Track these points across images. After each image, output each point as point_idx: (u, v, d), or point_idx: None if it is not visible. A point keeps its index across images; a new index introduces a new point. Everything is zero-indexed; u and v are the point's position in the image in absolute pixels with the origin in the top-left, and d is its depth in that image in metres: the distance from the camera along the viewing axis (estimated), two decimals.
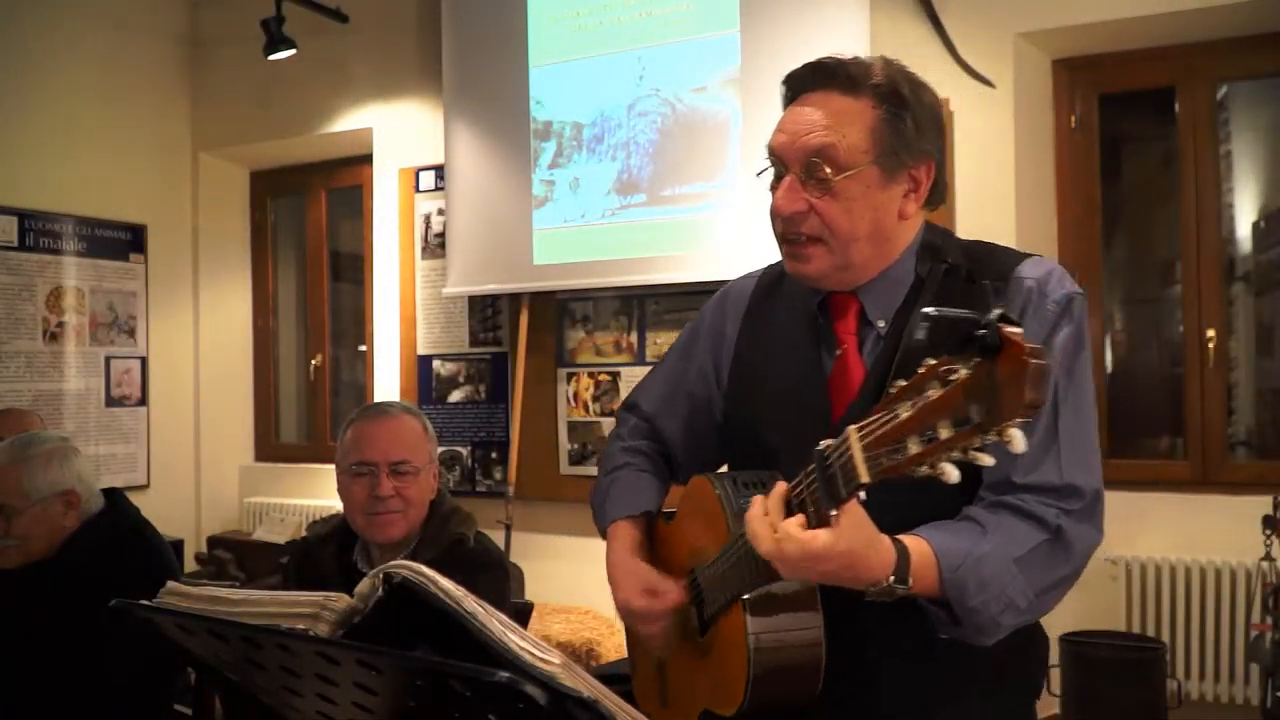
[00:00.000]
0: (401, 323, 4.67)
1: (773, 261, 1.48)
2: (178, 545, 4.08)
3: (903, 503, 1.09)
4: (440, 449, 4.53)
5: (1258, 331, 3.71)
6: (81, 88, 4.77)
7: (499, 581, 1.98)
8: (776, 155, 1.30)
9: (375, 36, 4.75)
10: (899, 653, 1.27)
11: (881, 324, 1.31)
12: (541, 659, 0.76)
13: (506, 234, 4.17)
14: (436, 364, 4.58)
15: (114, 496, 2.34)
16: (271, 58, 4.55)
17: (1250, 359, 3.70)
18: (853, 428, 0.98)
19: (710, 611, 1.31)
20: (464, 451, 4.50)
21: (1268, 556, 3.11)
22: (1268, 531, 3.11)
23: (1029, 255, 1.31)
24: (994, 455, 1.14)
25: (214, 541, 5.01)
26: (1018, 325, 0.86)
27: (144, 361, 5.04)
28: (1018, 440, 0.86)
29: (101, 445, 4.83)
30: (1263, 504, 3.12)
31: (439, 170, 4.49)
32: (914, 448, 0.91)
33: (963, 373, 0.88)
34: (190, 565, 4.81)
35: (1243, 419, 3.68)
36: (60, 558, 2.19)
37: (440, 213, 4.50)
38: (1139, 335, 4.00)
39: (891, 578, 1.09)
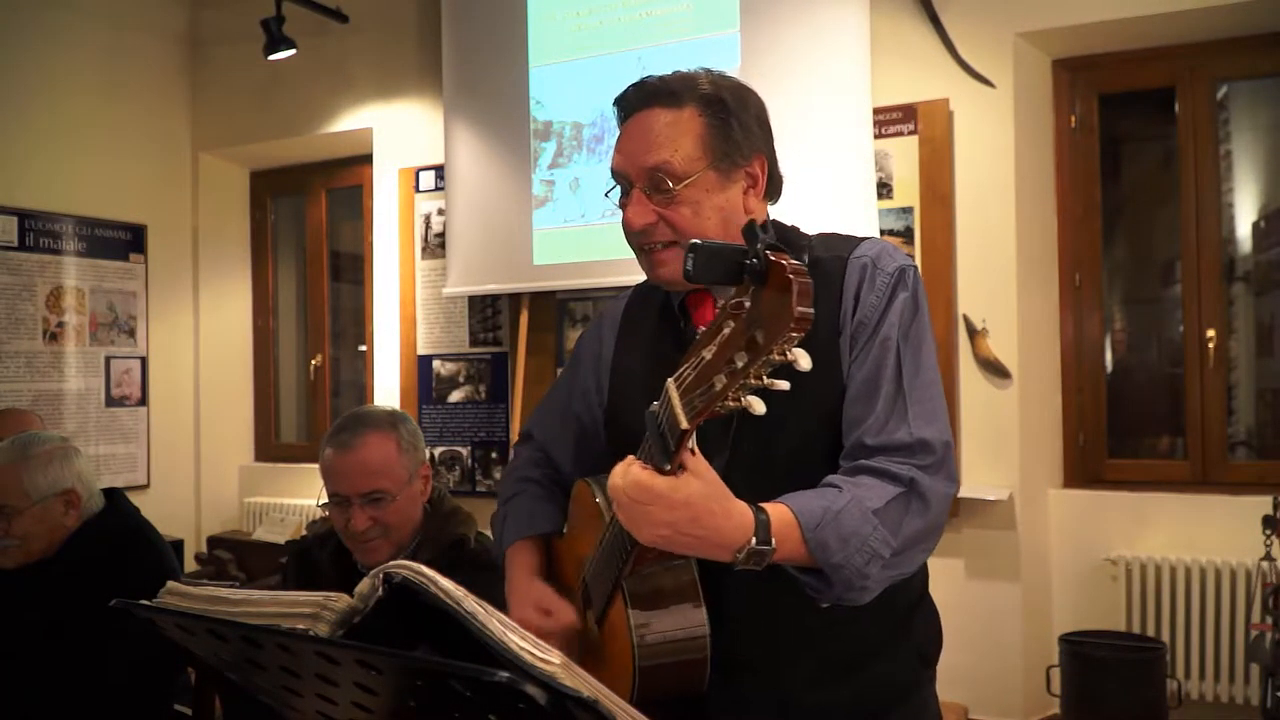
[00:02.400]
0: (401, 323, 4.67)
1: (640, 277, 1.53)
2: (178, 545, 4.09)
3: (780, 490, 1.17)
4: (440, 449, 4.58)
5: (1258, 331, 3.71)
6: (82, 88, 4.77)
7: (499, 582, 1.97)
8: (619, 174, 1.40)
9: (375, 36, 4.75)
10: (785, 635, 1.30)
11: None
12: (541, 659, 0.75)
13: (506, 234, 4.17)
14: (436, 364, 4.58)
15: (114, 496, 2.34)
16: (271, 58, 4.55)
17: (1250, 359, 3.70)
18: (670, 380, 1.03)
19: (598, 608, 1.34)
20: (464, 451, 4.50)
21: (1268, 556, 3.11)
22: (1268, 531, 3.11)
23: (863, 238, 1.38)
24: (846, 421, 1.25)
25: (214, 541, 5.01)
26: (782, 252, 0.93)
27: (144, 361, 5.04)
28: (802, 359, 0.92)
29: (101, 445, 4.83)
30: (1263, 504, 3.12)
31: (439, 170, 4.49)
32: (719, 384, 0.96)
33: (747, 303, 0.94)
34: (190, 565, 4.81)
35: (1243, 419, 3.68)
36: (60, 557, 2.19)
37: (440, 213, 4.50)
38: (1139, 335, 4.00)
39: (753, 539, 1.11)
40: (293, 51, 4.53)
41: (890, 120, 3.68)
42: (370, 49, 4.77)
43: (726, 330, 0.96)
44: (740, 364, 0.94)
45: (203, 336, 5.31)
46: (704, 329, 1.00)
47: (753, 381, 0.94)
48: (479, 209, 4.25)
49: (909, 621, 1.38)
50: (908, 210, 3.66)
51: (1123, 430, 3.77)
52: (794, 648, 1.31)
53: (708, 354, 0.98)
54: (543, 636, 1.34)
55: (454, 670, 0.75)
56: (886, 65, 3.64)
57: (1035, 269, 3.67)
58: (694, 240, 1.00)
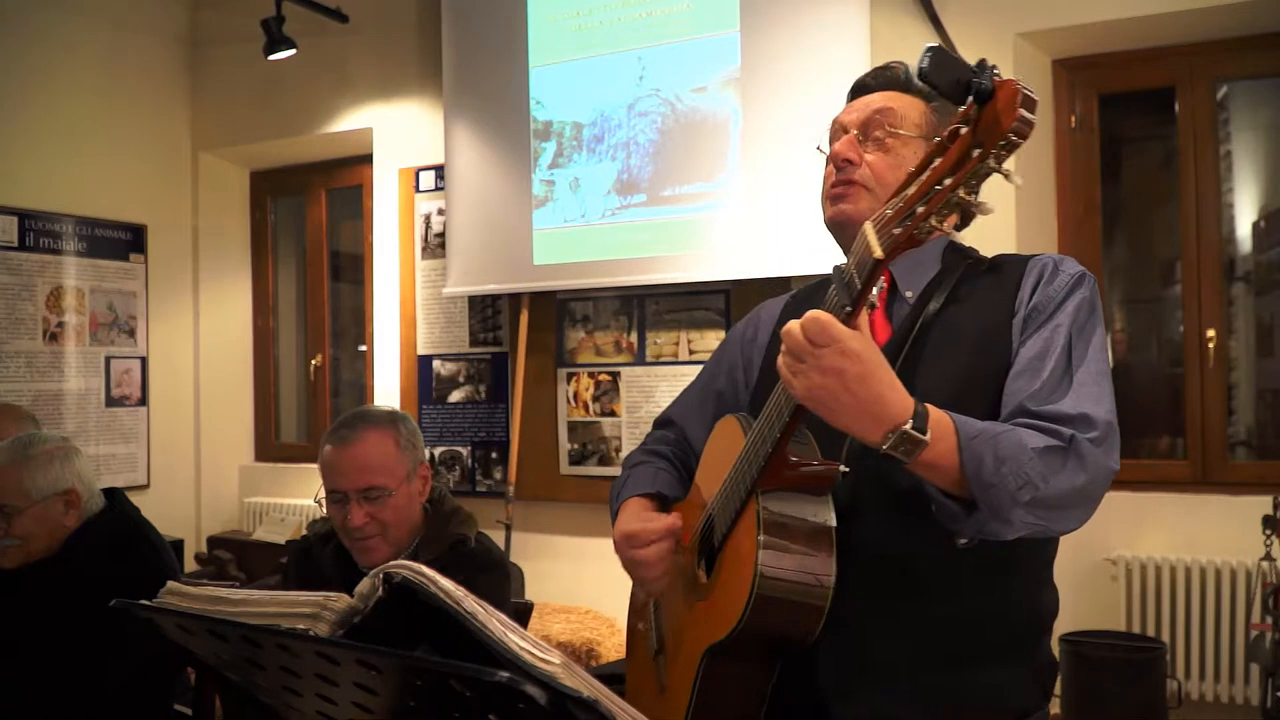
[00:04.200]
0: (401, 323, 4.67)
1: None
2: (178, 545, 4.09)
3: (897, 469, 1.13)
4: (440, 449, 4.58)
5: (1258, 331, 3.71)
6: (82, 88, 4.77)
7: (499, 582, 1.97)
8: (840, 126, 1.42)
9: (375, 36, 4.75)
10: (895, 610, 1.26)
11: (910, 294, 1.38)
12: (541, 659, 0.75)
13: (506, 234, 4.17)
14: (436, 364, 4.58)
15: (114, 496, 2.34)
16: (271, 58, 4.55)
17: (1250, 359, 3.70)
18: (867, 222, 1.05)
19: (720, 535, 1.32)
20: (464, 451, 4.50)
21: (1268, 556, 3.11)
22: (1268, 531, 3.11)
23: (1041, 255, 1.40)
24: (1008, 394, 1.23)
25: (214, 541, 5.01)
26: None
27: (144, 361, 5.04)
28: (1013, 173, 0.94)
29: (101, 445, 4.83)
30: (1263, 504, 3.12)
31: (439, 170, 4.49)
32: (920, 208, 0.98)
33: (964, 130, 0.96)
34: (190, 565, 4.81)
35: (1243, 419, 3.68)
36: (61, 557, 2.19)
37: (440, 213, 4.50)
38: (1139, 335, 4.00)
39: (910, 422, 1.08)
40: (293, 51, 4.53)
41: None
42: (370, 49, 4.77)
43: (937, 161, 0.97)
44: (949, 182, 0.95)
45: (203, 336, 5.31)
46: (910, 171, 1.01)
47: (961, 197, 0.95)
48: (479, 209, 4.25)
49: (1037, 640, 1.38)
50: None
51: (1122, 430, 3.75)
52: (913, 624, 1.26)
53: (911, 189, 0.99)
54: (640, 543, 1.37)
55: (454, 670, 0.75)
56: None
57: None
58: (931, 44, 1.00)
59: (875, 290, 1.32)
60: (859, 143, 1.38)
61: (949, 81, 0.96)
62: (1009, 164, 0.96)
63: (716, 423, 1.47)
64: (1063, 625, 3.47)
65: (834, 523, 1.23)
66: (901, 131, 1.36)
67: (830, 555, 1.21)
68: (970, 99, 0.95)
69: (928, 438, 1.09)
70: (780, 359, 1.11)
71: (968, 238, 1.35)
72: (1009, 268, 1.35)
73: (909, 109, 1.39)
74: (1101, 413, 1.24)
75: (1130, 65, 3.69)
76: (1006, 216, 3.54)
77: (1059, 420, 1.20)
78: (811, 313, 1.08)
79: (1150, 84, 3.70)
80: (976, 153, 0.94)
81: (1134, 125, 3.94)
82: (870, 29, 3.56)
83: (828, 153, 1.42)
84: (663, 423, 1.67)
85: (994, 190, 1.02)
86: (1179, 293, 3.67)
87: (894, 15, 3.66)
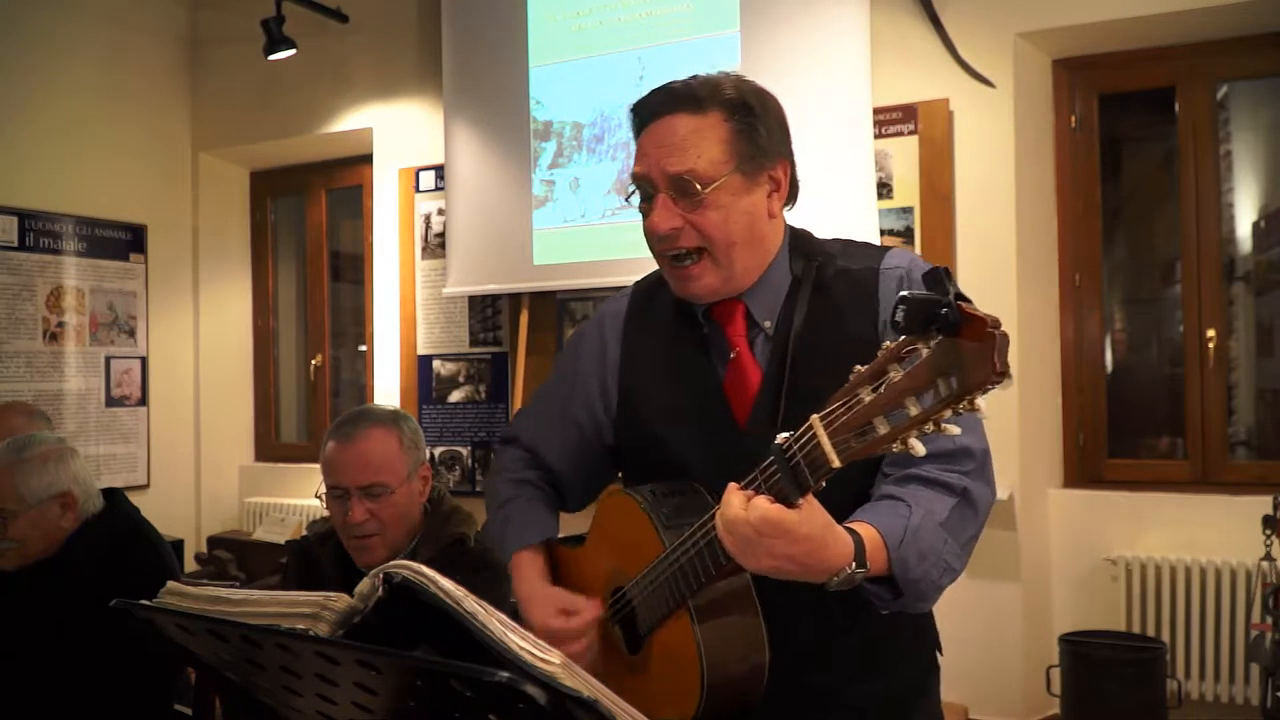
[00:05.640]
0: (401, 323, 4.67)
1: (640, 276, 1.53)
2: (178, 545, 4.08)
3: (830, 500, 1.14)
4: (440, 449, 4.58)
5: (1258, 331, 3.71)
6: (82, 88, 4.77)
7: (498, 581, 1.97)
8: (642, 179, 1.35)
9: (375, 36, 4.75)
10: (830, 635, 1.34)
11: (768, 324, 1.37)
12: (541, 659, 0.75)
13: (506, 234, 4.17)
14: (436, 364, 4.58)
15: (114, 497, 2.34)
16: (271, 58, 4.55)
17: (1250, 359, 3.70)
18: (816, 417, 1.03)
19: (646, 626, 1.32)
20: (464, 451, 4.50)
21: (1268, 556, 3.11)
22: (1268, 531, 3.11)
23: (888, 248, 1.39)
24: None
25: (214, 541, 5.01)
26: (969, 302, 0.93)
27: (144, 361, 5.04)
28: (982, 407, 0.93)
29: (101, 445, 4.83)
30: (1263, 504, 3.12)
31: (439, 170, 4.49)
32: (882, 428, 0.97)
33: (924, 352, 0.94)
34: (190, 565, 4.81)
35: (1243, 419, 3.68)
36: (60, 558, 2.19)
37: (440, 213, 4.50)
38: (1139, 335, 4.00)
39: (853, 564, 1.13)
40: (293, 51, 4.53)
41: (890, 120, 3.68)
42: (370, 49, 4.77)
43: (894, 376, 0.96)
44: (914, 412, 0.95)
45: (203, 336, 5.31)
46: (859, 370, 1.00)
47: (930, 428, 0.95)
48: (479, 209, 4.25)
49: (926, 624, 1.45)
50: (908, 210, 3.66)
51: (1123, 430, 3.77)
52: (838, 645, 1.35)
53: (867, 396, 0.98)
54: (568, 639, 1.36)
55: (454, 670, 0.75)
56: (886, 65, 3.64)
57: (1035, 269, 3.67)
58: (904, 294, 0.97)
59: (729, 328, 1.37)
60: (674, 201, 1.31)
61: (919, 325, 0.95)
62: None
63: (606, 493, 1.44)
64: (1063, 625, 3.47)
65: (752, 588, 1.26)
66: (714, 185, 1.29)
67: (758, 620, 1.26)
68: (933, 329, 0.93)
69: (867, 567, 1.15)
70: (724, 536, 1.12)
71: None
72: (862, 276, 1.34)
73: (706, 143, 1.30)
74: (976, 441, 1.29)
75: (1130, 65, 3.68)
76: (1007, 217, 3.54)
77: (943, 458, 1.25)
78: (760, 507, 1.08)
79: (1150, 84, 3.70)
80: (954, 385, 0.92)
81: (1134, 125, 3.94)
82: (870, 29, 3.56)
83: (635, 204, 1.37)
84: (510, 440, 1.61)
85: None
86: (1179, 293, 3.67)
87: (894, 15, 3.66)
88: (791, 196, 1.41)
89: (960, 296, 0.93)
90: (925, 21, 3.64)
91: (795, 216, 1.46)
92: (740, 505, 1.10)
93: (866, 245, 1.42)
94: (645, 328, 1.49)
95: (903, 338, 0.96)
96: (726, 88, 1.34)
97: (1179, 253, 3.67)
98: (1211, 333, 3.56)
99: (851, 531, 1.15)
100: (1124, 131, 3.91)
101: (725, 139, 1.31)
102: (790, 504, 1.08)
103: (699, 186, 1.30)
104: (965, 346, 0.91)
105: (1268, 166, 3.74)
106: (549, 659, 0.76)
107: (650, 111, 1.36)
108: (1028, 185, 3.61)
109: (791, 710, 1.34)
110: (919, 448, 0.97)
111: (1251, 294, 3.71)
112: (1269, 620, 3.02)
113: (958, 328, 0.91)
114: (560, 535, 1.55)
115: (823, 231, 1.46)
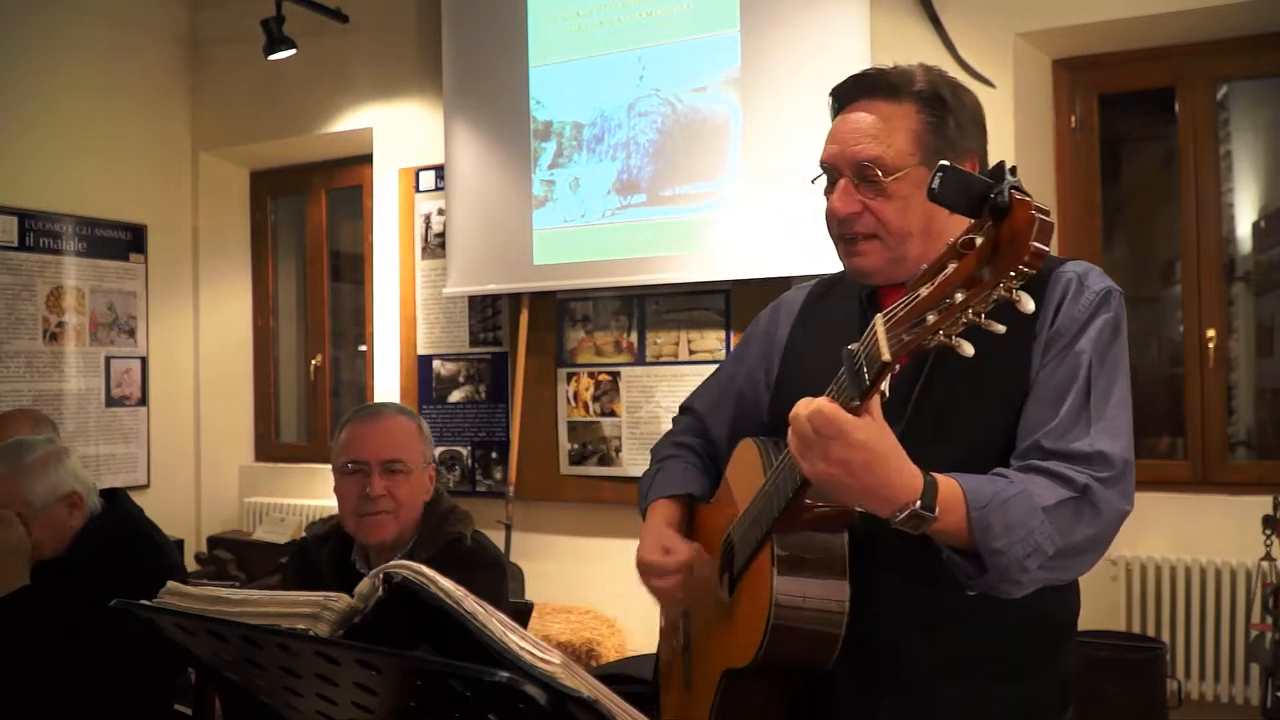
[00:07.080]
0: (401, 323, 4.67)
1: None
2: (178, 545, 4.08)
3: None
4: (440, 449, 4.58)
5: (1258, 331, 3.71)
6: (82, 88, 4.77)
7: (496, 580, 1.98)
8: (828, 165, 1.37)
9: (375, 36, 4.75)
10: (916, 626, 1.29)
11: None
12: (541, 659, 0.76)
13: (506, 234, 4.17)
14: (436, 364, 4.58)
15: (116, 496, 2.35)
16: (271, 58, 4.55)
17: (1250, 359, 3.70)
18: (879, 315, 1.03)
19: (739, 564, 1.34)
20: (464, 451, 4.50)
21: (1268, 556, 3.11)
22: (1268, 531, 3.11)
23: (1069, 258, 1.37)
24: (1025, 423, 1.22)
25: (214, 541, 5.01)
26: (1026, 195, 0.92)
27: (144, 361, 5.04)
28: (1026, 301, 0.92)
29: (101, 445, 4.83)
30: (1263, 504, 3.12)
31: (439, 170, 4.49)
32: (931, 317, 0.96)
33: (978, 241, 0.93)
34: (190, 565, 4.81)
35: (1243, 419, 3.68)
36: (70, 556, 2.19)
37: (440, 213, 4.50)
38: (1139, 335, 4.00)
39: (918, 502, 1.10)
40: (293, 51, 4.53)
41: None
42: (370, 49, 4.77)
43: (950, 268, 0.95)
44: (960, 298, 0.93)
45: (203, 336, 5.31)
46: (923, 267, 0.99)
47: (970, 318, 0.94)
48: (479, 209, 4.25)
49: (1059, 648, 1.35)
50: None
51: None
52: (934, 640, 1.28)
53: (924, 290, 0.97)
54: (658, 573, 1.41)
55: (454, 670, 0.75)
56: (886, 65, 3.64)
57: None
58: (943, 162, 0.98)
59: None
60: (855, 186, 1.33)
61: (962, 201, 0.95)
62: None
63: (740, 442, 1.47)
64: None
65: (846, 553, 1.25)
66: (897, 175, 1.31)
67: (844, 584, 1.24)
68: (985, 213, 0.94)
69: (936, 514, 1.11)
70: (789, 439, 1.13)
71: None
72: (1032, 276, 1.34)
73: (896, 133, 1.32)
74: (1118, 450, 1.22)
75: (1130, 65, 3.68)
76: None
77: (1075, 459, 1.20)
78: (817, 404, 1.09)
79: (1150, 84, 3.70)
80: (987, 273, 0.92)
81: (1134, 125, 3.94)
82: (870, 29, 3.56)
83: (823, 186, 1.39)
84: (686, 409, 1.70)
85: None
86: (1179, 293, 3.67)
87: (894, 15, 3.66)
88: None
89: (1018, 189, 0.92)
90: (925, 21, 3.64)
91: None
92: (804, 404, 1.10)
93: (1051, 255, 1.40)
94: (818, 312, 1.53)
95: (964, 230, 0.95)
96: (919, 79, 1.35)
97: (1179, 253, 3.67)
98: (1211, 333, 3.56)
99: (927, 474, 1.12)
100: (1124, 131, 3.91)
101: (914, 130, 1.32)
102: (849, 407, 1.07)
103: (881, 174, 1.30)
104: (1009, 230, 0.90)
105: (1268, 166, 3.74)
106: (549, 659, 0.76)
107: (845, 97, 1.39)
108: (1028, 185, 3.59)
109: (868, 695, 1.30)
110: (967, 348, 0.95)
111: (1251, 294, 3.71)
112: (1269, 620, 3.02)
113: (1005, 212, 0.91)
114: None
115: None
